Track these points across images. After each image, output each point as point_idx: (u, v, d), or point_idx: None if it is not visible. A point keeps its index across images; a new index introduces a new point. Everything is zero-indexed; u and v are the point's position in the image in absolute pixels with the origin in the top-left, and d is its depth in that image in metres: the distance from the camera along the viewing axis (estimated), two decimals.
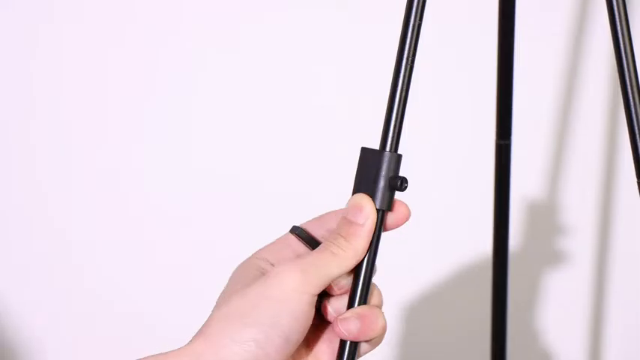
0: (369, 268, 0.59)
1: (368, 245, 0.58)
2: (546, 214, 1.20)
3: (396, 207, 0.60)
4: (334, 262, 0.57)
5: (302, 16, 1.13)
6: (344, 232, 0.58)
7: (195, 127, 1.16)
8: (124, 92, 1.15)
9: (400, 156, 0.59)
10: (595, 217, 1.21)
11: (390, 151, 0.59)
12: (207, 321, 0.55)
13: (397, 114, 0.59)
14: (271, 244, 0.61)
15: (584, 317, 1.25)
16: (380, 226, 0.59)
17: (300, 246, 0.61)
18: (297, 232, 0.61)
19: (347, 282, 0.59)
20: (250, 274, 0.58)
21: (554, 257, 1.21)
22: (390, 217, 0.60)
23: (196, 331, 0.57)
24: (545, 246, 1.22)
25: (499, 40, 0.85)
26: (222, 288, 0.60)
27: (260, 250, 0.61)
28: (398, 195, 0.60)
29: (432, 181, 1.18)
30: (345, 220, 0.58)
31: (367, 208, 0.58)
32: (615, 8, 0.65)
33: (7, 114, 1.14)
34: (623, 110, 0.67)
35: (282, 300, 0.55)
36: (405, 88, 0.59)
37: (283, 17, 1.13)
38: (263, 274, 0.58)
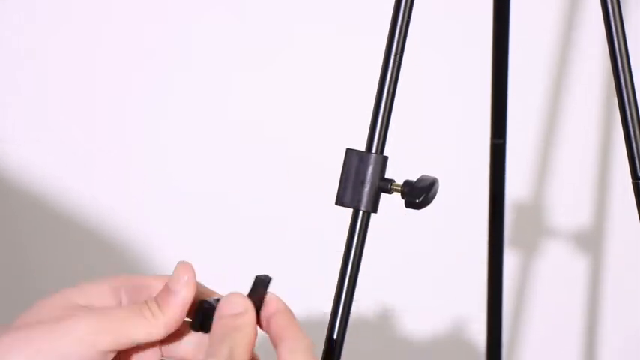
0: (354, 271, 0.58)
1: (182, 317, 0.54)
2: (541, 213, 1.20)
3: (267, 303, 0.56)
4: (141, 326, 0.53)
5: (294, 14, 1.13)
6: (159, 298, 0.54)
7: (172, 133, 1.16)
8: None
9: (386, 158, 0.58)
10: (591, 217, 1.21)
11: (377, 152, 0.58)
12: None
13: (384, 115, 0.58)
14: (87, 285, 0.56)
15: (579, 317, 1.24)
16: (365, 229, 0.58)
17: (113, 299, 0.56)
18: (264, 282, 0.54)
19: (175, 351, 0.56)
20: (51, 311, 0.53)
21: (549, 257, 1.21)
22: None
23: None
24: (540, 246, 1.21)
25: (494, 39, 0.85)
26: None
27: (72, 289, 0.56)
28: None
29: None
30: (165, 286, 0.54)
31: (188, 278, 0.54)
32: (610, 9, 0.65)
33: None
34: (618, 110, 0.66)
35: (68, 350, 0.51)
36: (392, 85, 0.58)
37: (272, 18, 1.13)
38: (67, 305, 0.54)
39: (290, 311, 0.55)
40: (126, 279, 0.57)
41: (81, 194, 1.16)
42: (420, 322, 1.23)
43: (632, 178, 0.68)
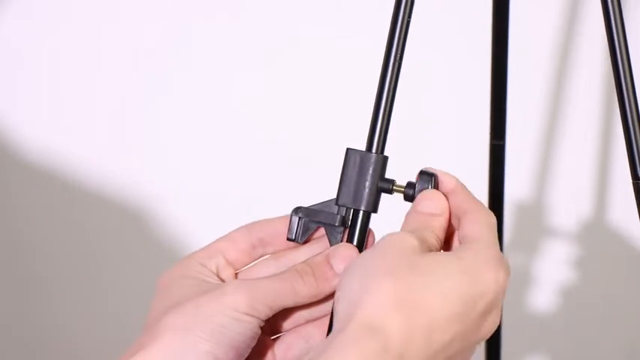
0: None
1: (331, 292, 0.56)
2: (541, 214, 1.20)
3: None
4: (290, 296, 0.55)
5: (294, 14, 1.13)
6: (318, 272, 0.56)
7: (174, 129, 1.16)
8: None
9: (386, 158, 0.58)
10: (591, 217, 1.21)
11: (377, 152, 0.58)
12: (156, 330, 0.53)
13: (384, 115, 0.58)
14: (207, 246, 0.59)
15: (580, 317, 1.24)
16: (365, 228, 0.57)
17: (245, 244, 0.58)
18: (301, 214, 0.58)
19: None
20: (193, 283, 0.55)
21: (549, 257, 1.21)
22: None
23: None
24: (540, 246, 1.21)
25: (493, 40, 0.85)
26: None
27: (195, 253, 0.58)
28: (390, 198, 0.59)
29: None
30: (324, 261, 0.56)
31: (347, 255, 0.56)
32: (610, 9, 0.65)
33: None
34: (619, 111, 0.66)
35: (233, 320, 0.53)
36: (392, 85, 0.58)
37: (272, 18, 1.13)
38: (206, 282, 0.56)
39: (467, 188, 0.57)
40: (255, 230, 0.58)
41: (81, 194, 1.16)
42: None
43: (632, 178, 0.68)
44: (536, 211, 1.20)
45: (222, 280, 0.57)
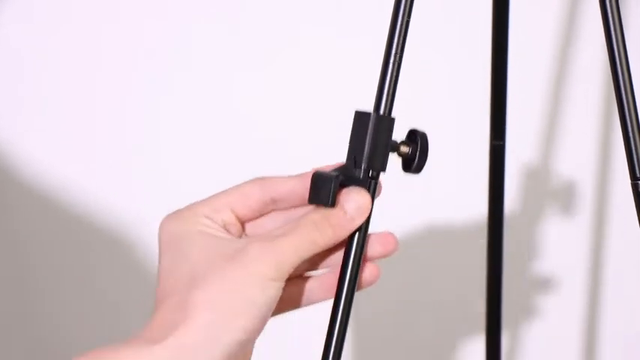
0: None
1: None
2: (541, 214, 1.20)
3: (384, 238, 0.59)
4: (310, 249, 0.54)
5: (294, 14, 1.13)
6: (334, 220, 0.55)
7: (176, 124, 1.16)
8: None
9: (393, 120, 0.58)
10: (591, 217, 1.21)
11: (384, 114, 0.58)
12: (187, 308, 0.51)
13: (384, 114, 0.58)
14: (220, 195, 0.57)
15: (579, 318, 1.24)
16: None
17: (255, 202, 0.57)
18: (342, 180, 0.56)
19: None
20: (207, 241, 0.54)
21: (549, 257, 1.21)
22: (377, 248, 0.59)
23: None
24: (540, 246, 1.21)
25: (493, 40, 0.85)
26: None
27: (202, 203, 0.57)
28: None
29: (427, 182, 1.17)
30: (340, 208, 0.56)
31: (368, 209, 0.56)
32: (608, 9, 0.65)
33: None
34: (617, 111, 0.66)
35: (261, 289, 0.51)
36: (392, 85, 0.59)
37: (272, 18, 1.13)
38: (220, 239, 0.54)
39: None
40: (269, 188, 0.58)
41: (81, 194, 1.16)
42: (418, 321, 1.23)
43: (631, 178, 0.68)
44: (536, 211, 1.20)
45: (233, 235, 0.56)
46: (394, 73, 0.59)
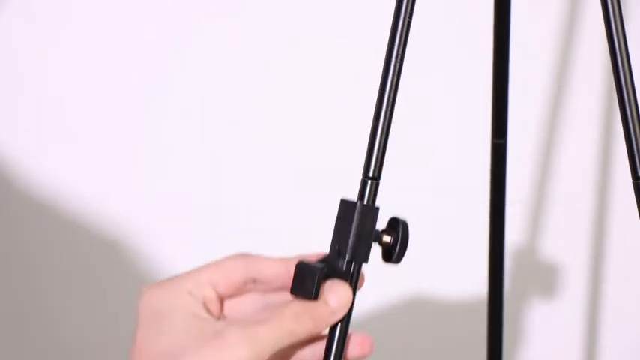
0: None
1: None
2: (542, 213, 1.20)
3: (360, 339, 0.58)
4: (289, 338, 0.53)
5: (295, 15, 1.13)
6: (315, 313, 0.55)
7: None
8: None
9: (378, 209, 0.58)
10: (591, 217, 1.21)
11: (368, 203, 0.58)
12: None
13: (385, 114, 0.58)
14: (203, 269, 0.56)
15: (580, 318, 1.24)
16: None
17: (237, 280, 0.56)
18: (326, 272, 0.56)
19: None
20: (185, 320, 0.53)
21: (549, 257, 1.21)
22: (354, 349, 0.58)
23: None
24: (540, 246, 1.21)
25: (494, 39, 0.85)
26: None
27: (185, 277, 0.56)
28: None
29: (428, 183, 1.18)
30: (323, 302, 0.55)
31: (349, 303, 0.56)
32: (610, 9, 0.65)
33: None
34: (618, 109, 0.66)
35: None
36: (394, 84, 0.58)
37: (273, 20, 1.13)
38: (199, 319, 0.53)
39: None
40: (251, 268, 0.56)
41: (81, 195, 1.16)
42: (420, 323, 1.23)
43: (632, 178, 0.68)
44: (536, 210, 1.20)
45: (212, 314, 0.55)
46: (401, 46, 0.58)
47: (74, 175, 1.16)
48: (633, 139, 0.66)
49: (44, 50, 1.14)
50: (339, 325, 0.56)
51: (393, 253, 0.59)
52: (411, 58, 0.60)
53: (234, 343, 0.51)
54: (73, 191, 1.16)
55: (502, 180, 0.93)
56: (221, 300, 0.57)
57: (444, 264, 1.21)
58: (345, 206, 0.57)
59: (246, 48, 1.14)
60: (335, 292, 0.56)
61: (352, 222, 0.57)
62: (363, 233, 0.57)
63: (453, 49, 1.14)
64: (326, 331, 0.57)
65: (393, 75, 0.59)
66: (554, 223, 1.20)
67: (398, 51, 0.59)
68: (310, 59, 1.14)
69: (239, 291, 0.57)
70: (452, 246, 1.20)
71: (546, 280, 1.22)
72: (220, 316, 0.57)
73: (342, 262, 0.56)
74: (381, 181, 0.59)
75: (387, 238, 0.58)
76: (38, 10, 1.12)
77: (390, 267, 1.09)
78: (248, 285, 0.57)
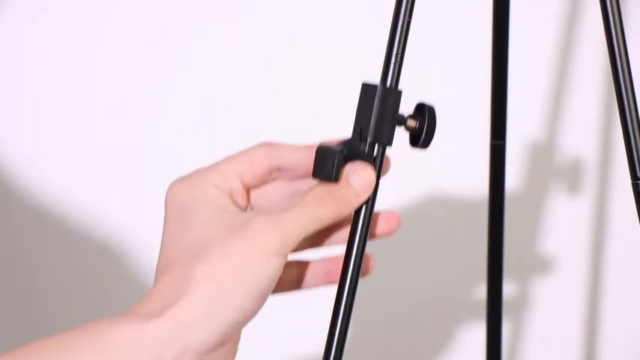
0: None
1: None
2: (542, 213, 1.20)
3: (389, 216, 0.58)
4: (314, 225, 0.53)
5: (295, 15, 1.13)
6: (338, 195, 0.54)
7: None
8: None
9: (400, 92, 0.58)
10: (591, 216, 1.21)
11: (391, 86, 0.58)
12: (186, 284, 0.49)
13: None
14: (228, 161, 0.56)
15: (580, 318, 1.24)
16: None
17: (262, 169, 0.56)
18: (346, 154, 0.55)
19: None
20: (212, 212, 0.52)
21: (549, 257, 1.21)
22: (382, 226, 0.58)
23: None
24: (540, 245, 1.21)
25: (493, 39, 0.85)
26: None
27: (211, 170, 0.56)
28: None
29: (428, 182, 1.18)
30: (346, 184, 0.55)
31: (373, 184, 0.55)
32: (609, 9, 0.65)
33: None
34: (617, 111, 0.66)
35: (263, 265, 0.50)
36: (399, 58, 0.58)
37: (273, 19, 1.13)
38: (225, 211, 0.53)
39: None
40: (276, 156, 0.57)
41: (81, 195, 1.16)
42: (418, 321, 1.23)
43: (631, 178, 0.68)
44: (536, 210, 1.20)
45: (239, 205, 0.55)
46: (401, 46, 0.58)
47: (74, 175, 1.16)
48: (632, 139, 0.66)
49: (44, 50, 1.14)
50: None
51: (419, 138, 0.58)
52: (409, 58, 0.60)
53: (260, 231, 0.51)
54: (73, 191, 1.16)
55: (501, 181, 0.93)
56: (248, 191, 0.57)
57: (444, 264, 1.21)
58: (367, 90, 0.57)
59: (246, 48, 1.14)
60: (357, 173, 0.55)
61: (373, 104, 0.56)
62: (385, 116, 0.56)
63: (453, 50, 1.14)
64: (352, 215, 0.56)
65: (393, 75, 0.59)
66: (554, 223, 1.20)
67: (398, 51, 0.59)
68: (310, 59, 1.14)
69: (265, 180, 0.57)
70: (452, 246, 1.20)
71: (546, 279, 1.22)
72: (248, 206, 0.57)
73: (364, 145, 0.56)
74: (381, 182, 0.58)
75: (412, 123, 0.58)
76: (38, 10, 1.12)
77: (388, 270, 1.09)
78: (273, 174, 0.57)
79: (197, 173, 0.56)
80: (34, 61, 1.14)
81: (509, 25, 0.84)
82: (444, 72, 1.15)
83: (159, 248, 0.55)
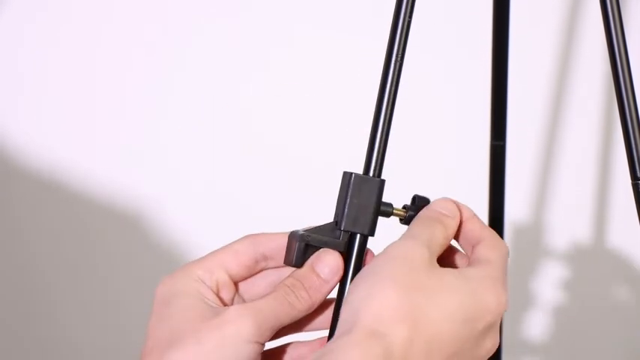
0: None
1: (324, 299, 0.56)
2: (542, 213, 1.20)
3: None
4: (288, 313, 0.54)
5: (295, 15, 1.13)
6: (307, 283, 0.55)
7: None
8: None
9: (384, 181, 0.58)
10: (591, 216, 1.21)
11: (374, 176, 0.58)
12: None
13: (385, 117, 0.58)
14: (213, 254, 0.57)
15: (580, 318, 1.24)
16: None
17: (248, 259, 0.57)
18: (304, 240, 0.56)
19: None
20: (193, 305, 0.53)
21: (549, 256, 1.21)
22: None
23: None
24: (540, 245, 1.21)
25: (493, 40, 0.85)
26: None
27: (197, 264, 0.56)
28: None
29: (428, 183, 1.17)
30: (312, 271, 0.56)
31: (340, 271, 0.56)
32: (609, 10, 0.65)
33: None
34: (618, 111, 0.66)
35: (237, 349, 0.51)
36: (393, 85, 0.58)
37: (273, 20, 1.13)
38: (205, 304, 0.54)
39: (479, 218, 0.57)
40: (259, 244, 0.57)
41: (81, 195, 1.16)
42: None
43: (631, 179, 0.68)
44: (536, 210, 1.20)
45: (222, 300, 0.56)
46: (401, 46, 0.58)
47: (74, 175, 1.16)
48: (632, 139, 0.66)
49: (44, 50, 1.14)
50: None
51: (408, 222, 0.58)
52: (410, 60, 0.60)
53: (235, 318, 0.52)
54: (73, 191, 1.16)
55: (501, 181, 0.93)
56: (235, 283, 0.57)
57: None
58: (344, 177, 0.58)
59: (246, 48, 1.14)
60: (321, 260, 0.56)
61: (346, 192, 0.56)
62: (360, 203, 0.56)
63: (453, 50, 1.14)
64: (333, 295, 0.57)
65: (393, 75, 0.59)
66: (554, 223, 1.20)
67: (398, 51, 0.59)
68: (310, 59, 1.14)
69: (252, 270, 0.58)
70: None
71: (546, 279, 1.22)
72: (235, 298, 0.57)
73: (338, 231, 0.57)
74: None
75: (401, 213, 0.58)
76: (38, 10, 1.12)
77: None
78: (260, 263, 0.58)
79: (183, 268, 0.56)
80: (34, 60, 1.14)
81: (510, 26, 0.84)
82: (444, 72, 1.15)
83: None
